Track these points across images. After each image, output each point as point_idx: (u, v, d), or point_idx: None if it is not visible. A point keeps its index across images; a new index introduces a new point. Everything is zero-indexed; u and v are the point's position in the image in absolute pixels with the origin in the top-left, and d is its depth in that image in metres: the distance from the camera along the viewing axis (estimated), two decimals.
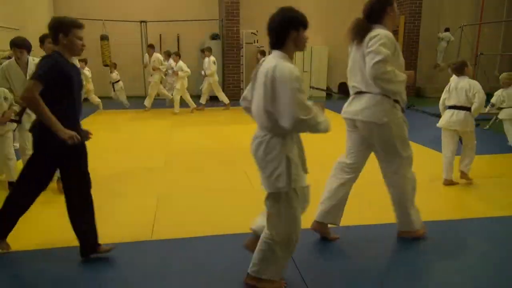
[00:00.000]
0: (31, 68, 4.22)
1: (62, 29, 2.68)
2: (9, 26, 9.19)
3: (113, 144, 6.80)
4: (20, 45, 4.37)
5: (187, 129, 8.22)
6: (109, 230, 3.48)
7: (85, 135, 2.93)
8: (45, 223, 3.62)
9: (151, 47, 10.58)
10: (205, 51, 10.36)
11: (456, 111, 4.51)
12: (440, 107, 4.80)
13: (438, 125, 4.73)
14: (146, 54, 10.91)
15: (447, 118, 4.58)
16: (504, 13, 12.28)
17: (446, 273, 2.85)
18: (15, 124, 4.41)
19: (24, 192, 2.88)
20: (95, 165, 5.32)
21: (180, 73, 9.78)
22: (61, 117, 2.62)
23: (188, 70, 9.83)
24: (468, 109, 4.47)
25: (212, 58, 10.22)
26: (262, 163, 2.38)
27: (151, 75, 10.39)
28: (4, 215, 2.92)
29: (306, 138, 2.45)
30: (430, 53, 13.44)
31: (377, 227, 3.52)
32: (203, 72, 10.28)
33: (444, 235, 3.45)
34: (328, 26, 13.21)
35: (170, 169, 5.36)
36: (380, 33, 2.81)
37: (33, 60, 4.33)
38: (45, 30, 3.05)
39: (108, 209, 3.99)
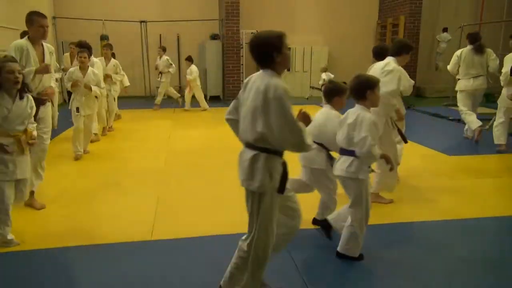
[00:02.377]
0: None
1: None
2: (9, 26, 9.19)
3: (113, 144, 6.80)
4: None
5: (188, 129, 8.21)
6: (109, 230, 3.49)
7: None
8: (45, 224, 3.63)
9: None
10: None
11: None
12: None
13: None
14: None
15: None
16: (504, 13, 12.26)
17: (447, 273, 2.85)
18: None
19: None
20: (95, 165, 5.37)
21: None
22: None
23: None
24: None
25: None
26: None
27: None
28: None
29: None
30: (430, 53, 13.44)
31: (377, 227, 3.52)
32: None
33: (451, 234, 3.45)
34: (328, 26, 13.22)
35: (170, 169, 5.35)
36: None
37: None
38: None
39: (108, 209, 3.99)
